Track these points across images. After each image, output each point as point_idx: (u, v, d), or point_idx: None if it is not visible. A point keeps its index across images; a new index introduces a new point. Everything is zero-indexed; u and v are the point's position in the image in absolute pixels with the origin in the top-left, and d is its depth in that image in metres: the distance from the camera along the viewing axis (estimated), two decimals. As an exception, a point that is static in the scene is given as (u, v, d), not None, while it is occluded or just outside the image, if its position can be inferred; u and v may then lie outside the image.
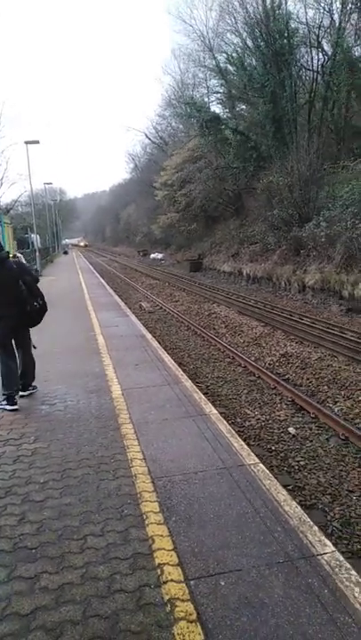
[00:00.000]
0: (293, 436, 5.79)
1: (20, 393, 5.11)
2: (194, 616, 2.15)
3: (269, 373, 7.98)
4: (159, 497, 3.13)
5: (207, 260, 28.16)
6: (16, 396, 4.95)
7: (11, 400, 4.91)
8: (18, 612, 2.23)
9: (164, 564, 2.49)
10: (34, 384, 5.41)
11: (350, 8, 21.08)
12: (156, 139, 50.72)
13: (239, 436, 4.44)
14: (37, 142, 25.35)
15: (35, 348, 5.45)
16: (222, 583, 2.34)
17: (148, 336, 8.62)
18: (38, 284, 5.16)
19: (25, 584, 2.40)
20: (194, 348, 10.36)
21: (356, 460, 5.16)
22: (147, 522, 2.86)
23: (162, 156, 44.41)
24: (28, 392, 5.30)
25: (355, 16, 21.45)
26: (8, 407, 4.88)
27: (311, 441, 5.62)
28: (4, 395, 4.95)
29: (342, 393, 7.06)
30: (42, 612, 2.22)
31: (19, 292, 4.80)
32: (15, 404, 4.91)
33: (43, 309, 5.06)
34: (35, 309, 4.95)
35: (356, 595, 2.24)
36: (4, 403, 4.92)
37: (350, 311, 13.33)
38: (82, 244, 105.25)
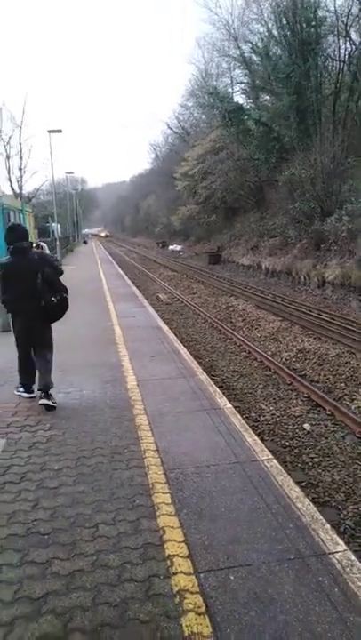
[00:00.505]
0: (308, 432, 5.74)
1: (42, 401, 4.64)
2: (203, 609, 2.16)
3: (286, 369, 7.91)
4: (171, 489, 3.14)
5: (226, 253, 27.99)
6: (33, 385, 4.93)
7: (27, 388, 4.96)
8: (29, 595, 2.27)
9: (175, 555, 2.51)
10: (53, 397, 4.73)
11: (381, -5, 20.49)
12: (178, 129, 50.46)
13: (253, 430, 4.43)
14: (60, 131, 25.45)
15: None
16: (232, 577, 2.35)
17: (165, 328, 8.63)
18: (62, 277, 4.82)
19: (37, 569, 2.44)
20: (210, 340, 10.34)
21: (371, 458, 5.10)
22: (158, 513, 2.88)
23: (183, 146, 44.13)
24: (52, 402, 4.63)
25: (386, 4, 20.87)
26: (25, 394, 4.94)
27: (326, 438, 5.56)
28: (20, 383, 5.01)
29: (360, 391, 6.96)
30: (53, 596, 2.26)
31: (35, 284, 4.45)
32: (32, 391, 4.93)
33: (62, 305, 4.64)
34: (51, 304, 4.53)
35: (367, 595, 2.22)
36: (22, 389, 4.99)
37: (371, 308, 13.10)
38: (103, 234, 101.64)
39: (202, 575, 2.37)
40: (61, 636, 2.04)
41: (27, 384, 4.96)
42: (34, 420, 4.36)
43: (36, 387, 4.90)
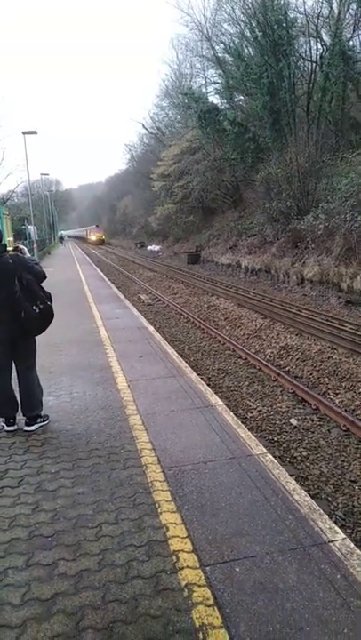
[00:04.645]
0: (295, 427, 5.86)
1: (26, 427, 4.20)
2: (211, 601, 2.21)
3: (270, 365, 8.04)
4: (170, 486, 3.18)
5: (205, 252, 28.12)
6: (15, 413, 4.28)
7: (8, 418, 4.27)
8: (38, 597, 2.28)
9: (179, 550, 2.55)
10: (43, 414, 4.33)
11: (350, -3, 20.94)
12: (153, 129, 50.43)
13: (243, 427, 4.50)
14: (35, 133, 25.11)
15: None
16: (237, 569, 2.41)
17: (150, 328, 8.66)
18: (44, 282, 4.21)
19: (43, 570, 2.45)
20: (194, 340, 10.41)
21: (357, 450, 5.24)
22: (160, 510, 2.91)
23: (159, 146, 44.17)
24: (37, 425, 4.22)
25: (354, 5, 21.30)
26: (6, 427, 4.25)
27: (313, 432, 5.70)
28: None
29: (343, 385, 7.13)
30: (62, 597, 2.27)
31: (12, 293, 3.88)
32: (14, 423, 4.25)
33: (46, 315, 4.07)
34: (33, 316, 3.95)
35: (368, 579, 2.31)
36: (2, 420, 4.32)
37: (349, 303, 13.40)
38: (93, 237, 66.74)
39: (208, 568, 2.42)
40: (74, 635, 2.06)
41: (7, 413, 4.25)
42: (26, 424, 4.32)
43: (19, 414, 4.28)
